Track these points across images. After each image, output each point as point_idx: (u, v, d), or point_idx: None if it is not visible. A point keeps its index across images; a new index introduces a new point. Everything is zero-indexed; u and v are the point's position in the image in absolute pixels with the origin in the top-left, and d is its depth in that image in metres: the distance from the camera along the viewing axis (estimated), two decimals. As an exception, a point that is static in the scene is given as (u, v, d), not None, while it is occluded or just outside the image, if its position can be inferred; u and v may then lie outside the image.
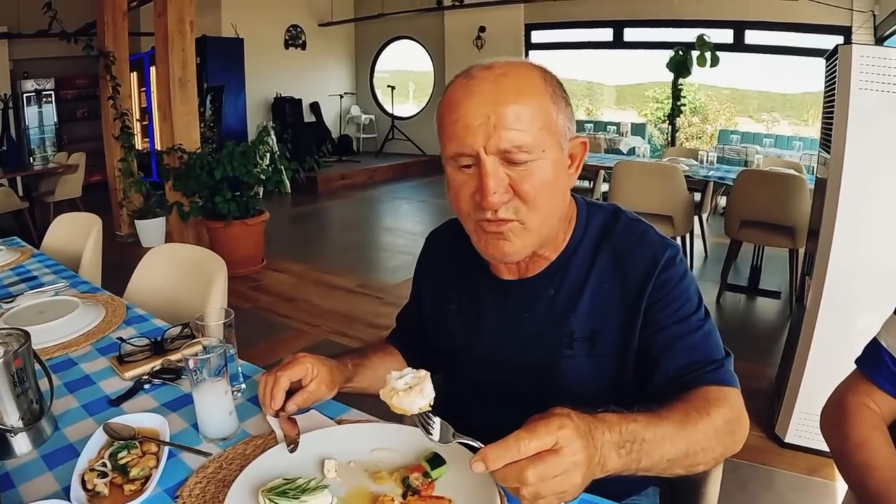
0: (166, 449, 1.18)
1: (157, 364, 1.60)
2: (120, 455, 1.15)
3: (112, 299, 2.18)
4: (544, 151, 1.12)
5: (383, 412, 1.37)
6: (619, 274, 1.26)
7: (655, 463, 0.98)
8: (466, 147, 1.11)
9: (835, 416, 1.32)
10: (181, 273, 2.47)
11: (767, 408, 3.34)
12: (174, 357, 1.62)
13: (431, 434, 1.04)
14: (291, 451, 1.16)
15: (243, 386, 1.49)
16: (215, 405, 1.25)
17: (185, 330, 1.76)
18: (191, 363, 1.20)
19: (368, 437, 1.21)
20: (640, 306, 1.23)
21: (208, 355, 1.22)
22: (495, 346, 1.37)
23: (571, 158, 1.22)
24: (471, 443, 1.00)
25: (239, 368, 1.52)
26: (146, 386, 1.52)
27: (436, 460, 1.11)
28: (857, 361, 1.35)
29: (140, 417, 1.29)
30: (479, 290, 1.40)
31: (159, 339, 1.71)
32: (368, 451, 1.18)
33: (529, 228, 1.17)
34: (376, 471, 1.14)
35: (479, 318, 1.40)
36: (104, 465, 1.12)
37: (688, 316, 1.22)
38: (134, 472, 1.11)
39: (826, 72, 3.05)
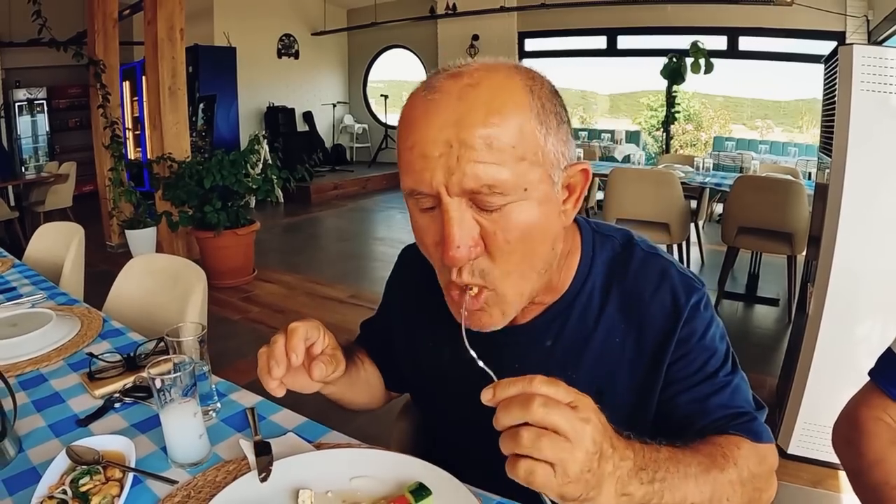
0: (131, 475, 1.10)
1: (129, 381, 1.52)
2: (82, 481, 1.07)
3: (89, 311, 2.10)
4: (526, 190, 0.88)
5: (370, 432, 1.30)
6: (635, 325, 1.08)
7: (676, 502, 0.85)
8: (424, 184, 0.88)
9: (848, 432, 1.25)
10: (159, 284, 2.40)
11: (768, 418, 3.27)
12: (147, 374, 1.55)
13: None
14: (263, 479, 1.08)
15: (218, 405, 1.42)
16: (184, 428, 1.17)
17: (160, 345, 1.69)
18: (157, 382, 1.12)
19: (348, 463, 1.13)
20: (661, 367, 1.07)
21: (175, 375, 1.14)
22: (478, 396, 1.19)
23: (570, 190, 0.98)
24: None
25: (213, 387, 1.44)
26: (117, 405, 1.44)
27: (420, 491, 1.02)
28: (870, 373, 1.28)
29: (106, 440, 1.21)
30: (458, 330, 1.05)
31: (132, 354, 1.64)
32: (347, 479, 1.10)
33: (503, 294, 0.96)
34: (355, 502, 1.05)
35: (458, 361, 1.03)
36: (64, 492, 1.05)
37: (715, 371, 1.07)
38: (95, 501, 1.03)
39: (825, 74, 3.01)
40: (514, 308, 1.00)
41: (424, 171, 0.87)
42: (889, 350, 1.26)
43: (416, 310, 1.29)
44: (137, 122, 10.31)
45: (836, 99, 2.67)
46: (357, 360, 1.36)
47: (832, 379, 2.78)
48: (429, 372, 1.27)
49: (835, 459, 1.27)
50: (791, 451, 3.01)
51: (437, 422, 1.35)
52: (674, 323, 1.06)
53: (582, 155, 8.04)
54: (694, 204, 6.17)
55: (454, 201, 0.87)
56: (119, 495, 1.05)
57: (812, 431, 2.93)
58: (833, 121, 2.69)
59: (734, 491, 0.93)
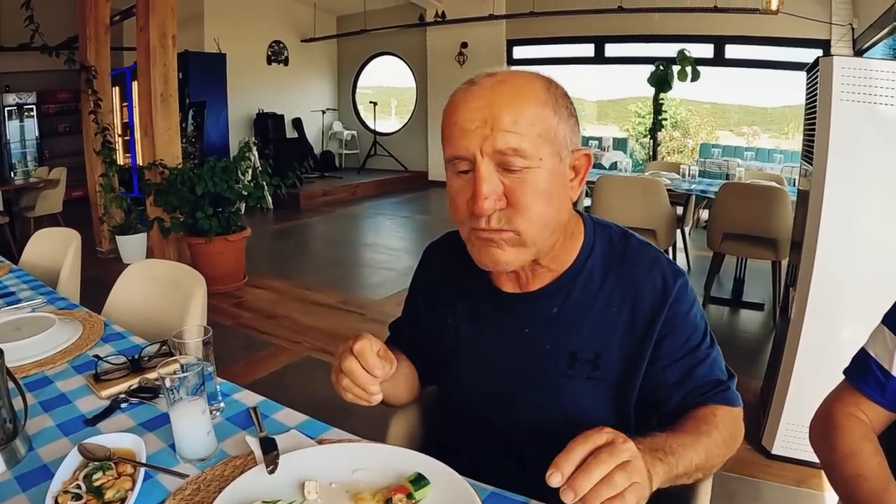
0: (142, 470, 1.15)
1: (134, 382, 1.57)
2: (95, 476, 1.12)
3: (90, 316, 2.14)
4: (541, 160, 1.10)
5: (365, 431, 1.35)
6: (630, 300, 1.24)
7: (687, 468, 1.05)
8: (462, 149, 1.10)
9: (823, 427, 1.31)
10: (160, 289, 2.43)
11: (753, 420, 3.33)
12: (151, 375, 1.59)
13: None
14: (271, 472, 1.14)
15: (222, 404, 1.46)
16: (192, 425, 1.22)
17: (163, 347, 1.73)
18: (167, 382, 1.17)
19: (350, 457, 1.19)
20: (650, 337, 1.23)
21: (185, 374, 1.19)
22: (493, 358, 1.34)
23: (575, 171, 1.20)
24: None
25: (217, 387, 1.49)
26: (123, 405, 1.48)
27: (419, 481, 1.09)
28: (845, 372, 1.35)
29: (116, 437, 1.26)
30: (478, 302, 1.36)
31: (136, 356, 1.68)
32: (350, 471, 1.16)
33: (524, 239, 1.15)
34: (358, 492, 1.11)
35: (477, 329, 1.37)
36: (78, 486, 1.09)
37: (697, 345, 1.24)
38: (109, 495, 1.08)
39: (807, 84, 3.07)
40: (529, 252, 1.18)
41: (463, 139, 1.10)
42: (863, 350, 1.32)
43: (440, 293, 1.45)
44: (126, 127, 10.29)
45: (817, 108, 2.74)
46: (397, 356, 1.45)
47: (814, 381, 2.82)
48: (446, 340, 1.43)
49: (818, 459, 1.32)
50: (775, 451, 3.05)
51: (449, 389, 1.50)
52: (663, 300, 1.23)
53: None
54: (680, 210, 6.23)
55: (485, 162, 1.09)
56: (132, 489, 1.10)
57: (795, 432, 2.98)
58: (814, 129, 2.76)
59: (720, 448, 1.14)
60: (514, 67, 1.14)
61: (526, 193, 1.11)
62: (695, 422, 1.16)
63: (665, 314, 1.22)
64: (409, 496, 1.06)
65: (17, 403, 1.32)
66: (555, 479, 0.86)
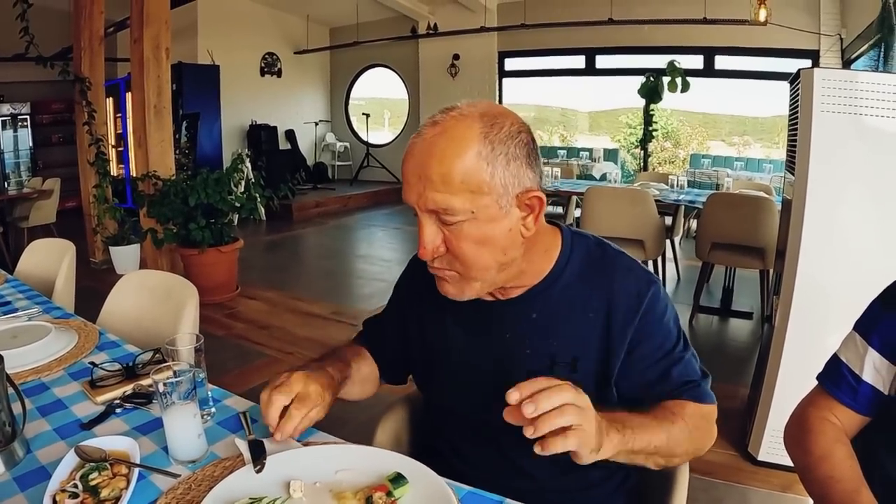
0: (136, 471, 1.19)
1: (128, 389, 1.60)
2: (91, 476, 1.15)
3: (85, 325, 2.18)
4: (474, 212, 1.14)
5: (349, 435, 1.39)
6: (605, 306, 1.29)
7: (644, 446, 1.13)
8: (408, 200, 1.19)
9: (797, 431, 1.35)
10: (153, 299, 2.47)
11: (740, 426, 3.37)
12: (145, 382, 1.63)
13: None
14: (258, 471, 1.18)
15: (213, 410, 1.50)
16: (184, 428, 1.26)
17: (157, 355, 1.77)
18: (161, 387, 1.22)
19: (334, 458, 1.23)
20: (624, 341, 1.28)
21: (178, 379, 1.23)
22: (478, 362, 1.39)
23: (530, 209, 1.21)
24: None
25: (209, 392, 1.53)
26: (117, 410, 1.52)
27: (398, 479, 1.14)
28: (818, 377, 1.39)
29: (111, 440, 1.30)
30: (462, 308, 1.37)
31: (131, 364, 1.72)
32: (333, 471, 1.20)
33: (466, 278, 1.23)
34: (340, 490, 1.15)
35: (463, 334, 1.42)
36: (75, 486, 1.13)
37: (671, 349, 1.30)
38: (104, 494, 1.12)
39: (790, 95, 3.11)
40: (474, 290, 1.26)
41: (407, 192, 1.19)
42: (835, 355, 1.37)
43: (423, 298, 1.48)
44: (120, 138, 10.30)
45: (798, 119, 2.79)
46: (351, 368, 1.54)
47: (798, 387, 2.78)
48: (432, 345, 1.49)
49: (792, 462, 1.36)
50: (761, 457, 3.09)
51: (434, 393, 1.56)
52: (637, 306, 1.29)
53: (560, 174, 8.09)
54: (669, 221, 6.27)
55: (424, 215, 1.18)
56: (126, 488, 1.13)
57: (780, 438, 2.99)
58: (797, 140, 2.81)
59: (683, 438, 1.22)
60: (462, 106, 1.18)
61: (461, 243, 1.18)
62: (661, 410, 1.23)
63: (638, 321, 1.28)
64: (389, 494, 1.11)
65: (16, 408, 1.36)
66: (513, 396, 1.00)
